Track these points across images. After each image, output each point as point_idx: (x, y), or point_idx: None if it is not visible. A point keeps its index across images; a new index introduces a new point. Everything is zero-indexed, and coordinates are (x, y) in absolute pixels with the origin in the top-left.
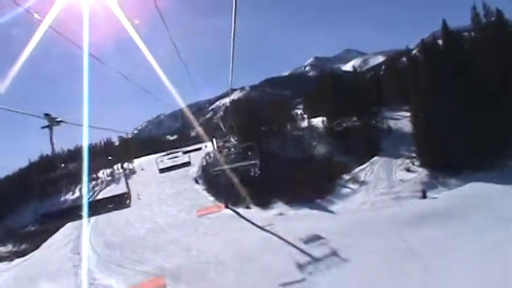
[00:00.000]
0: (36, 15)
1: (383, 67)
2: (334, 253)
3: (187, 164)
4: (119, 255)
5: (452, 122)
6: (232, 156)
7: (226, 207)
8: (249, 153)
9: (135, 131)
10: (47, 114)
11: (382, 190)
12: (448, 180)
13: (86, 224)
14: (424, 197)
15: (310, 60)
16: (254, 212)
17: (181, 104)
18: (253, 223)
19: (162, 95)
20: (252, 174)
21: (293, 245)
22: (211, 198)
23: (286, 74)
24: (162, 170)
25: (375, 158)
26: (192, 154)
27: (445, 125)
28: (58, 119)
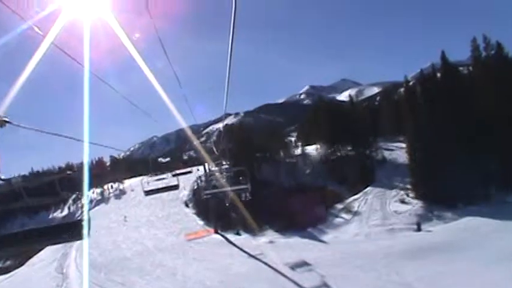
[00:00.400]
0: (38, 30)
1: (378, 98)
2: (325, 284)
3: (175, 187)
4: (103, 277)
5: (449, 154)
6: (224, 180)
7: (216, 232)
8: (240, 178)
9: (128, 152)
10: None
11: (376, 221)
12: (444, 213)
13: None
14: (419, 229)
15: (305, 88)
16: (244, 239)
17: (183, 124)
18: (242, 250)
19: (156, 116)
20: (243, 199)
21: (283, 274)
22: (201, 222)
23: (281, 101)
24: (147, 193)
25: (369, 188)
26: (183, 177)
27: (441, 156)
28: (3, 119)
